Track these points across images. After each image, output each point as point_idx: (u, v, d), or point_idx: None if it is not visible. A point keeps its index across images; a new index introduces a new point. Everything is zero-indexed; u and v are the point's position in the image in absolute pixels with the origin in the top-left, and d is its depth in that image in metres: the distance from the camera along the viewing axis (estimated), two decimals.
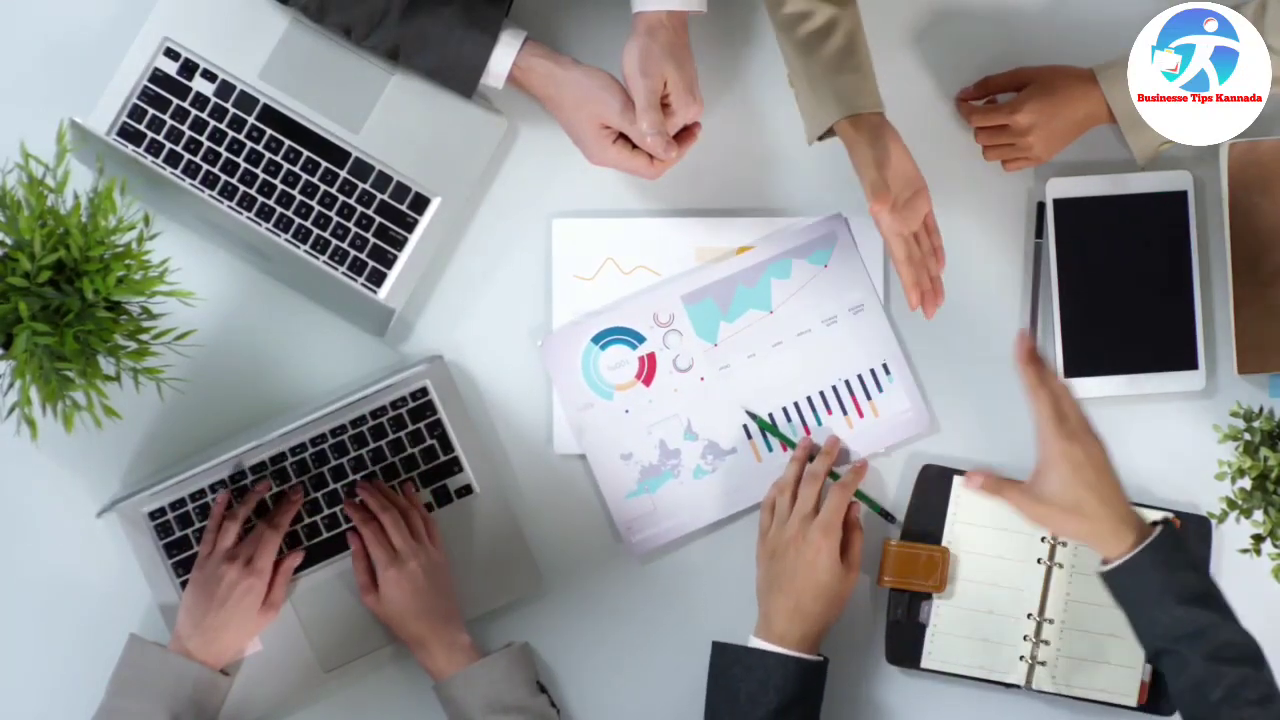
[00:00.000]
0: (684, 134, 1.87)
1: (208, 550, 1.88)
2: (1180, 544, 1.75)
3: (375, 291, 1.92)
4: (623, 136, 1.86)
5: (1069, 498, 1.75)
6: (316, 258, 1.92)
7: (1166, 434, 1.96)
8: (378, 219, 1.92)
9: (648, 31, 1.83)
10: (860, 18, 1.82)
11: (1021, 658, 1.91)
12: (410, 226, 1.93)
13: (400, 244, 1.92)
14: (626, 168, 1.87)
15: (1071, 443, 1.75)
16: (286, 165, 1.92)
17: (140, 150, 1.91)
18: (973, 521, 1.93)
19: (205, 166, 1.91)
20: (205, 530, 1.89)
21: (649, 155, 1.85)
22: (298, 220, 1.92)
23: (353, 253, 1.92)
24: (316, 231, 1.92)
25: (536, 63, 1.87)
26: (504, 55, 1.86)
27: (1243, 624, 1.74)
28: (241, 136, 1.92)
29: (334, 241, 1.92)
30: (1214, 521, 1.73)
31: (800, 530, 1.86)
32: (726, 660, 1.85)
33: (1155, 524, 1.76)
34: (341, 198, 1.92)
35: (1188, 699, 1.73)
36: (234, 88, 1.92)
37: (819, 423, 1.94)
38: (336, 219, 1.92)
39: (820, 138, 1.82)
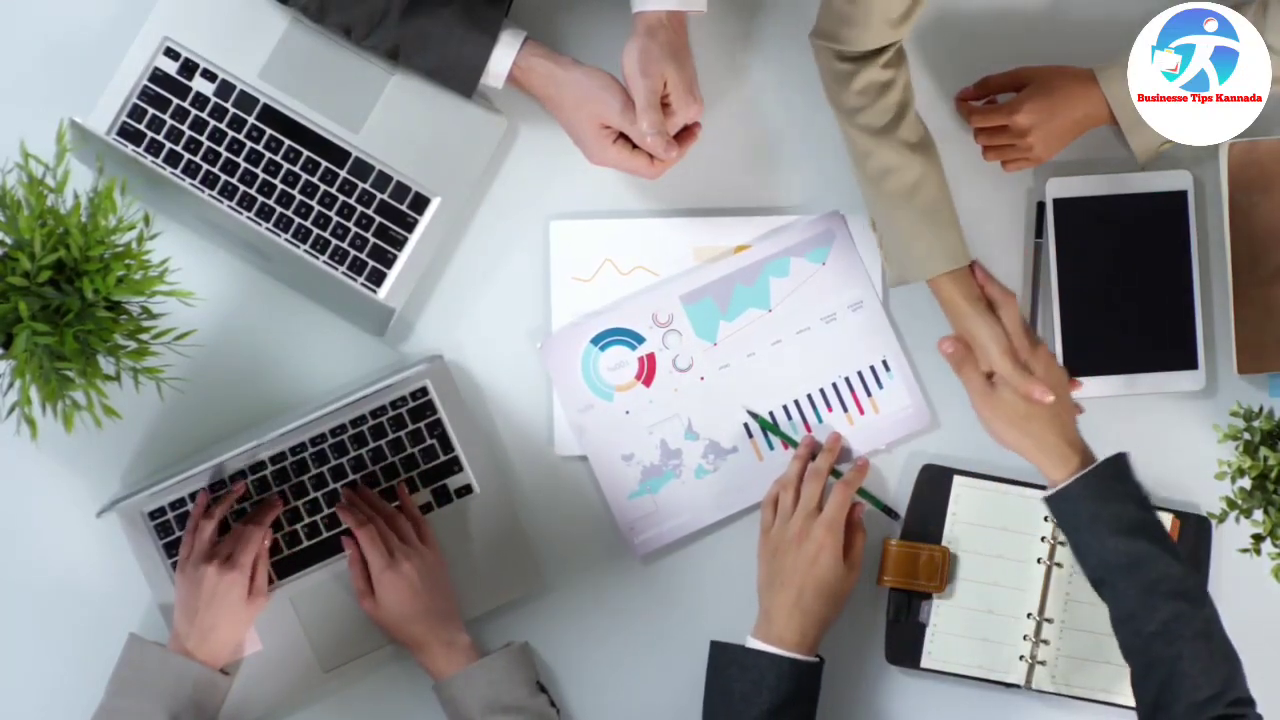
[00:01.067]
0: (684, 134, 1.87)
1: (187, 552, 1.88)
2: (1124, 475, 1.79)
3: (375, 291, 1.92)
4: (623, 136, 1.86)
5: (1020, 408, 1.81)
6: (316, 257, 1.92)
7: (1166, 434, 1.96)
8: (377, 219, 1.92)
9: (647, 31, 1.83)
10: (942, 167, 1.86)
11: (1021, 657, 1.91)
12: (410, 226, 1.93)
13: (400, 244, 1.92)
14: (627, 167, 1.86)
15: (1031, 359, 1.82)
16: (286, 165, 1.92)
17: (140, 150, 1.91)
18: (973, 521, 1.93)
19: (205, 166, 1.91)
20: (184, 533, 1.89)
21: (649, 155, 1.85)
22: (297, 220, 1.92)
23: (352, 252, 1.92)
24: (316, 231, 1.92)
25: (536, 63, 1.87)
26: (504, 55, 1.86)
27: (1184, 560, 1.77)
28: (241, 136, 1.92)
29: (334, 241, 1.92)
30: (1214, 521, 1.73)
31: (804, 527, 1.86)
32: (723, 660, 1.85)
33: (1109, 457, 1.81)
34: (341, 197, 1.92)
35: (1123, 631, 1.76)
36: (234, 87, 1.92)
37: (819, 420, 1.94)
38: (336, 219, 1.92)
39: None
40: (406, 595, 1.87)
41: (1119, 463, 1.80)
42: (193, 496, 1.90)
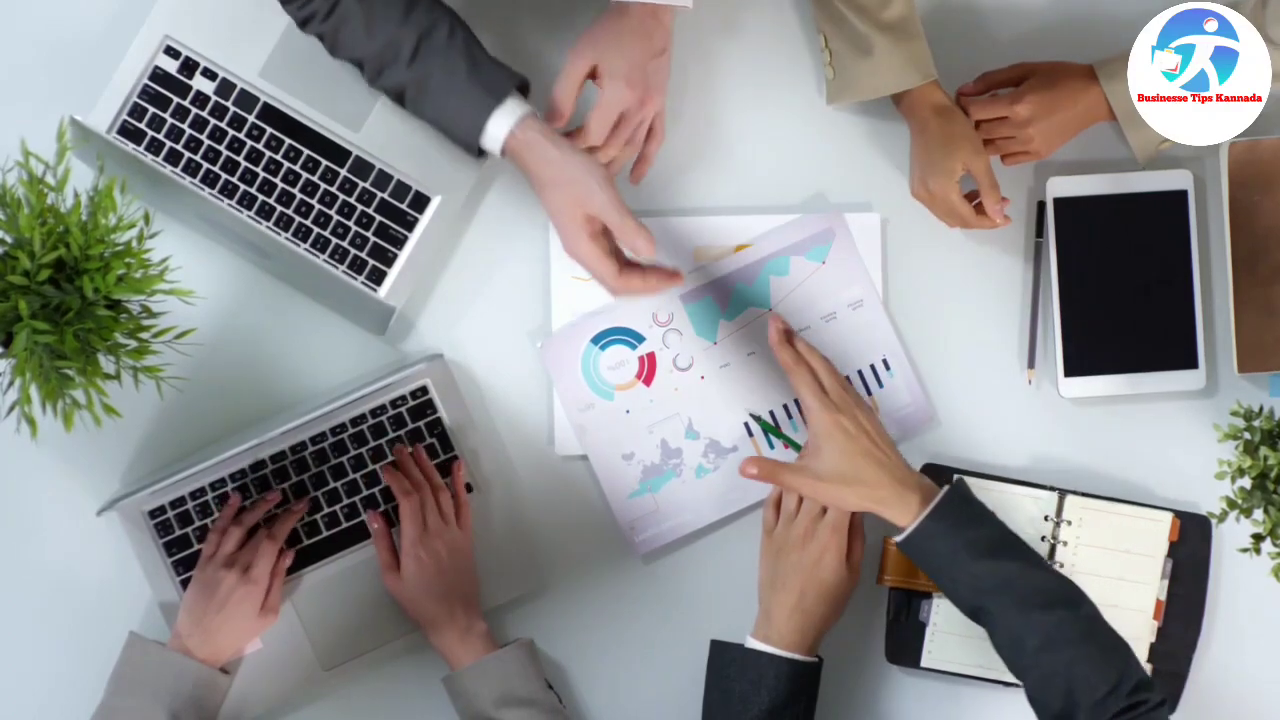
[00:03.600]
0: (649, 136, 1.89)
1: (211, 551, 1.88)
2: (968, 499, 1.80)
3: (375, 290, 1.92)
4: (605, 234, 1.82)
5: (847, 468, 1.80)
6: (317, 256, 1.92)
7: (1166, 434, 1.96)
8: (378, 217, 1.92)
9: (613, 14, 1.84)
10: None
11: None
12: (410, 225, 1.93)
13: (400, 242, 1.92)
14: (594, 269, 1.81)
15: (839, 413, 1.81)
16: (287, 164, 1.92)
17: (140, 148, 1.91)
18: None
19: (205, 165, 1.91)
20: (211, 530, 1.89)
21: (618, 263, 1.80)
22: (298, 219, 1.92)
23: (353, 251, 1.92)
24: (317, 230, 1.92)
25: (533, 137, 1.81)
26: (502, 122, 1.81)
27: (1050, 565, 1.77)
28: (242, 135, 1.92)
29: (334, 240, 1.92)
30: (1214, 521, 1.73)
31: (809, 529, 1.86)
32: (723, 659, 1.85)
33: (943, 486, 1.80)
34: (342, 196, 1.92)
35: (1008, 654, 1.76)
36: (234, 86, 1.92)
37: None
38: (337, 217, 1.92)
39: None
40: (432, 571, 1.87)
41: (960, 488, 1.81)
42: (194, 495, 1.91)
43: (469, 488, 1.93)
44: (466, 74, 1.81)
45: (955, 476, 1.86)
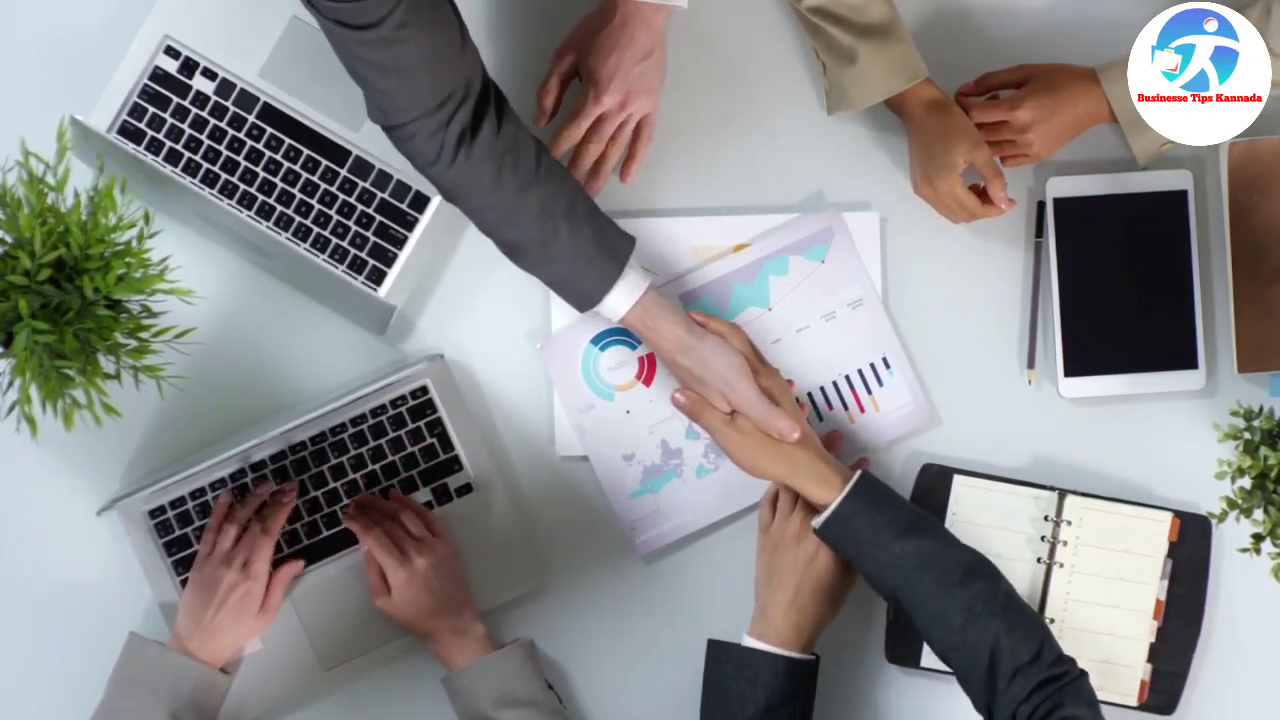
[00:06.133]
0: (629, 160, 1.91)
1: (207, 550, 1.88)
2: (878, 481, 1.82)
3: (375, 289, 1.92)
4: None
5: (767, 439, 1.83)
6: (316, 255, 1.92)
7: (1166, 434, 1.96)
8: (378, 217, 1.92)
9: (600, 13, 1.85)
10: None
11: None
12: (410, 225, 1.93)
13: (400, 242, 1.92)
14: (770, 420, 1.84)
15: (761, 379, 1.84)
16: (287, 163, 1.92)
17: (140, 148, 1.91)
18: (973, 520, 1.93)
19: (205, 165, 1.92)
20: (206, 530, 1.89)
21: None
22: (298, 218, 1.92)
23: (353, 251, 1.92)
24: (316, 229, 1.92)
25: (656, 311, 1.83)
26: (626, 293, 1.81)
27: (961, 542, 1.80)
28: (242, 135, 1.92)
29: (334, 239, 1.92)
30: (1214, 521, 1.73)
31: (804, 525, 1.86)
32: (720, 658, 1.85)
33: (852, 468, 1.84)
34: (342, 196, 1.92)
35: (935, 631, 1.78)
36: (234, 86, 1.92)
37: (820, 419, 1.94)
38: (336, 217, 1.92)
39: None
40: (422, 592, 1.87)
41: (868, 473, 1.83)
42: (194, 495, 1.91)
43: (469, 488, 1.93)
44: (593, 241, 1.79)
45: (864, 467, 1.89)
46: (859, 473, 1.82)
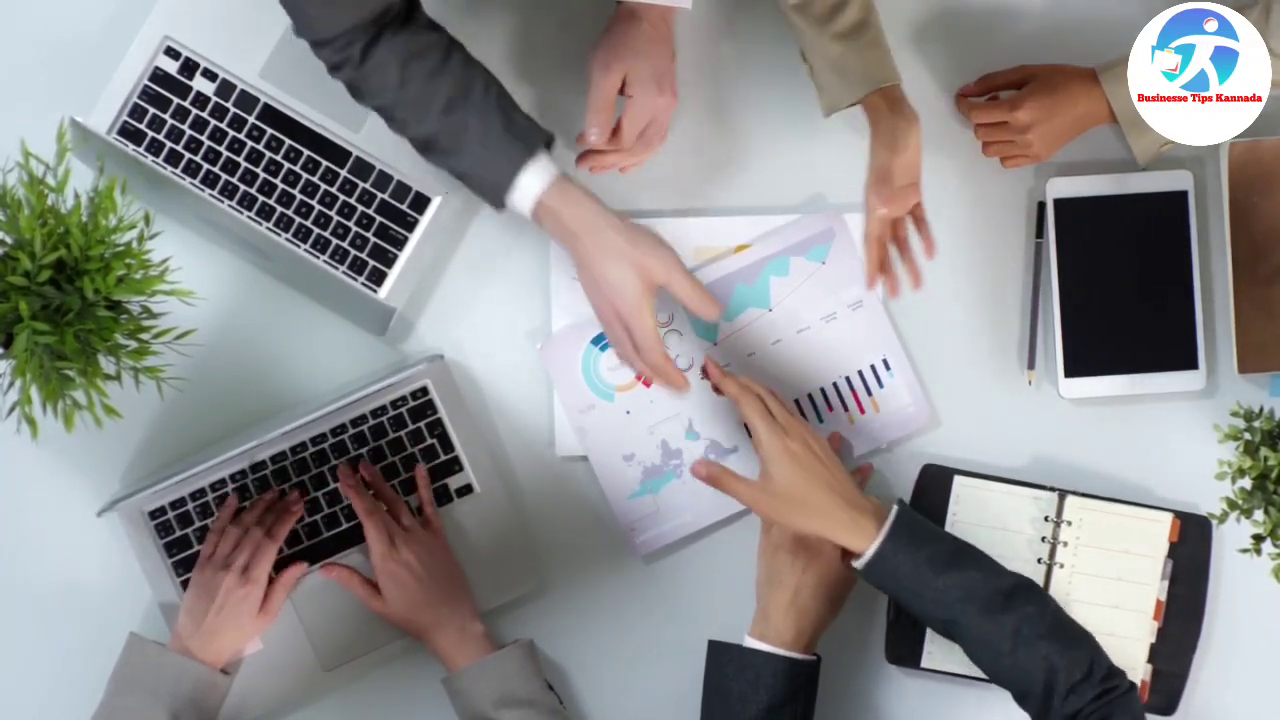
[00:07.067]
0: (648, 130, 1.88)
1: (209, 552, 1.88)
2: (914, 516, 1.81)
3: (376, 290, 1.92)
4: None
5: (797, 490, 1.80)
6: (317, 257, 1.92)
7: (1166, 434, 1.96)
8: (378, 218, 1.92)
9: (622, 20, 1.83)
10: None
11: None
12: (411, 226, 1.93)
13: (401, 243, 1.92)
14: (654, 349, 1.83)
15: (788, 437, 1.81)
16: (287, 164, 1.92)
17: (141, 149, 1.91)
18: (973, 521, 1.93)
19: (205, 165, 1.92)
20: (209, 531, 1.89)
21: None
22: (298, 219, 1.92)
23: (353, 252, 1.92)
24: (317, 231, 1.92)
25: (577, 198, 1.80)
26: (536, 177, 1.79)
27: (1004, 566, 1.79)
28: (242, 136, 1.92)
29: (334, 240, 1.92)
30: (1214, 521, 1.73)
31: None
32: (721, 659, 1.85)
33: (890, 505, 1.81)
34: (342, 197, 1.92)
35: (985, 658, 1.78)
36: (234, 87, 1.92)
37: (820, 420, 1.94)
38: (337, 218, 1.92)
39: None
40: (410, 583, 1.87)
41: (905, 507, 1.81)
42: (194, 495, 1.91)
43: (469, 489, 1.93)
44: (502, 127, 1.79)
45: (900, 500, 1.87)
46: (894, 510, 1.79)
